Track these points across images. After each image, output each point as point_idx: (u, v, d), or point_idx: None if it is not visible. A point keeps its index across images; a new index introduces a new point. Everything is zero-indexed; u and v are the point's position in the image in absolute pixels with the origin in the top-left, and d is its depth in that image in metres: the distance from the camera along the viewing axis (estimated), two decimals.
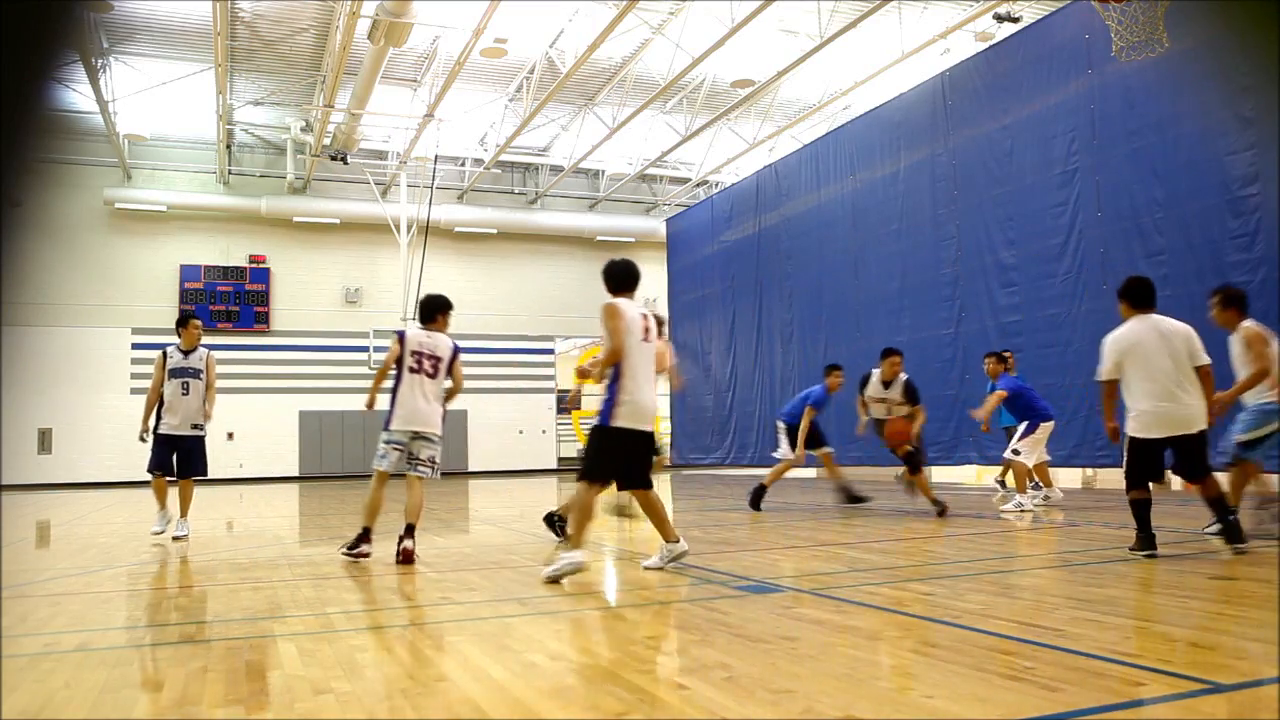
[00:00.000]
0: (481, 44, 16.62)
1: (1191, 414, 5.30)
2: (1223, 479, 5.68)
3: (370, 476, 6.28)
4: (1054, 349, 11.95)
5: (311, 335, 23.44)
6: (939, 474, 15.92)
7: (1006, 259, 13.08)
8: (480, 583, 5.16)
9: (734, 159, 23.29)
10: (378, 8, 14.33)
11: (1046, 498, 9.77)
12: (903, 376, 8.77)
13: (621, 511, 7.80)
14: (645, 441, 5.20)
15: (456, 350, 6.46)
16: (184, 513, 8.00)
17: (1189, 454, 5.35)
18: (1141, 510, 5.45)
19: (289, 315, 23.38)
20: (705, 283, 22.20)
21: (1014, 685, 2.69)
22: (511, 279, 25.28)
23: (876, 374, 8.89)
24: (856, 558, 5.90)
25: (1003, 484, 11.08)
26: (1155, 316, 5.52)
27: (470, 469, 24.05)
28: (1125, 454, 5.51)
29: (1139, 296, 5.58)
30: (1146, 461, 5.42)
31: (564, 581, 4.92)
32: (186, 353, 7.86)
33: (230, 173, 23.07)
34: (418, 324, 6.57)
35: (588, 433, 5.37)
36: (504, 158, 23.46)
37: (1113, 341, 5.54)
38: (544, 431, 25.02)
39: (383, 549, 6.83)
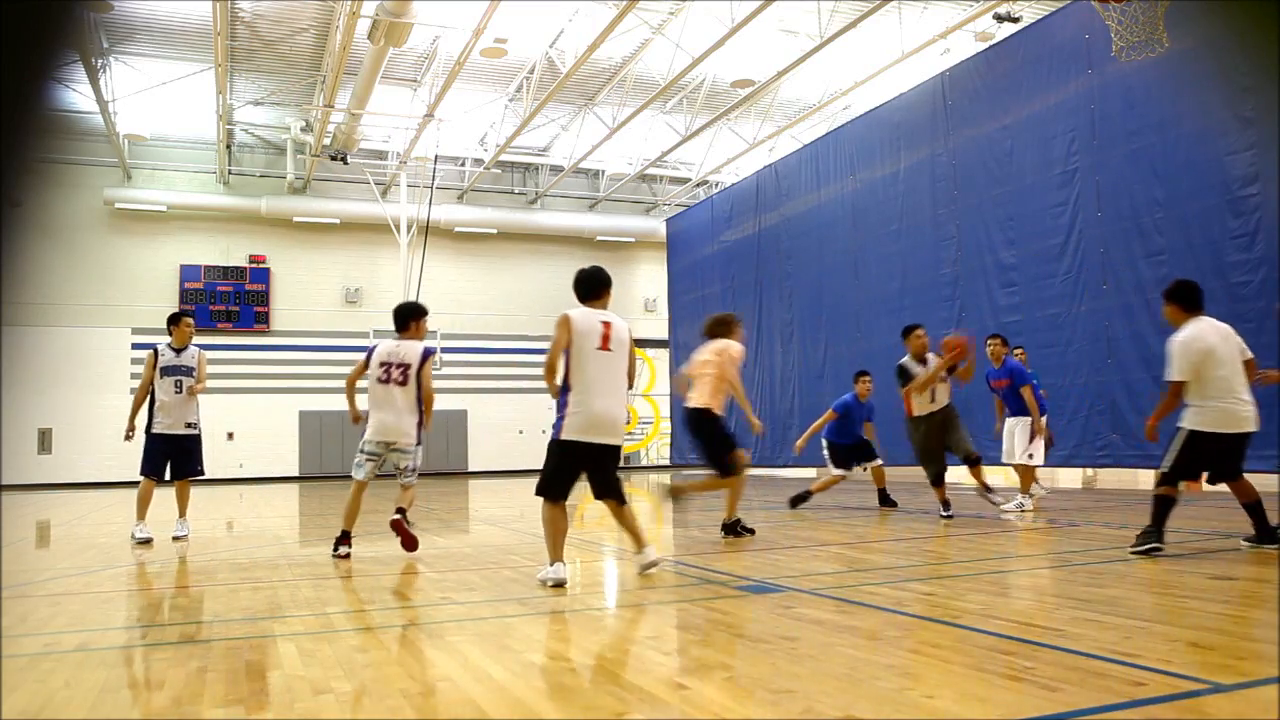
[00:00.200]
0: (481, 44, 16.62)
1: (1254, 412, 5.43)
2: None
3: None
4: (1054, 349, 11.95)
5: (311, 335, 23.44)
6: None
7: (1006, 259, 13.08)
8: (480, 583, 5.16)
9: (734, 159, 23.30)
10: (378, 8, 14.33)
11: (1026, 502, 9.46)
12: (929, 357, 8.33)
13: (677, 493, 7.73)
14: (605, 453, 4.94)
15: (426, 355, 6.47)
16: (182, 512, 7.97)
17: (1239, 452, 5.45)
18: (1167, 508, 5.49)
19: (289, 315, 23.38)
20: (705, 283, 22.20)
21: (1014, 685, 2.69)
22: (511, 279, 25.28)
23: (906, 360, 8.41)
24: (856, 558, 5.90)
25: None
26: (1207, 317, 5.60)
27: (470, 469, 24.06)
28: (1176, 450, 5.49)
29: (1191, 299, 5.63)
30: (1201, 458, 5.47)
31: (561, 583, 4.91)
32: (179, 351, 7.80)
33: (230, 173, 23.08)
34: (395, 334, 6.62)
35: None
36: (504, 158, 23.46)
37: (1186, 344, 5.50)
38: (544, 431, 24.54)
39: (382, 549, 6.84)
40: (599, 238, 25.70)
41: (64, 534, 9.38)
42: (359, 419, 6.60)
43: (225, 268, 22.84)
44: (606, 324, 5.03)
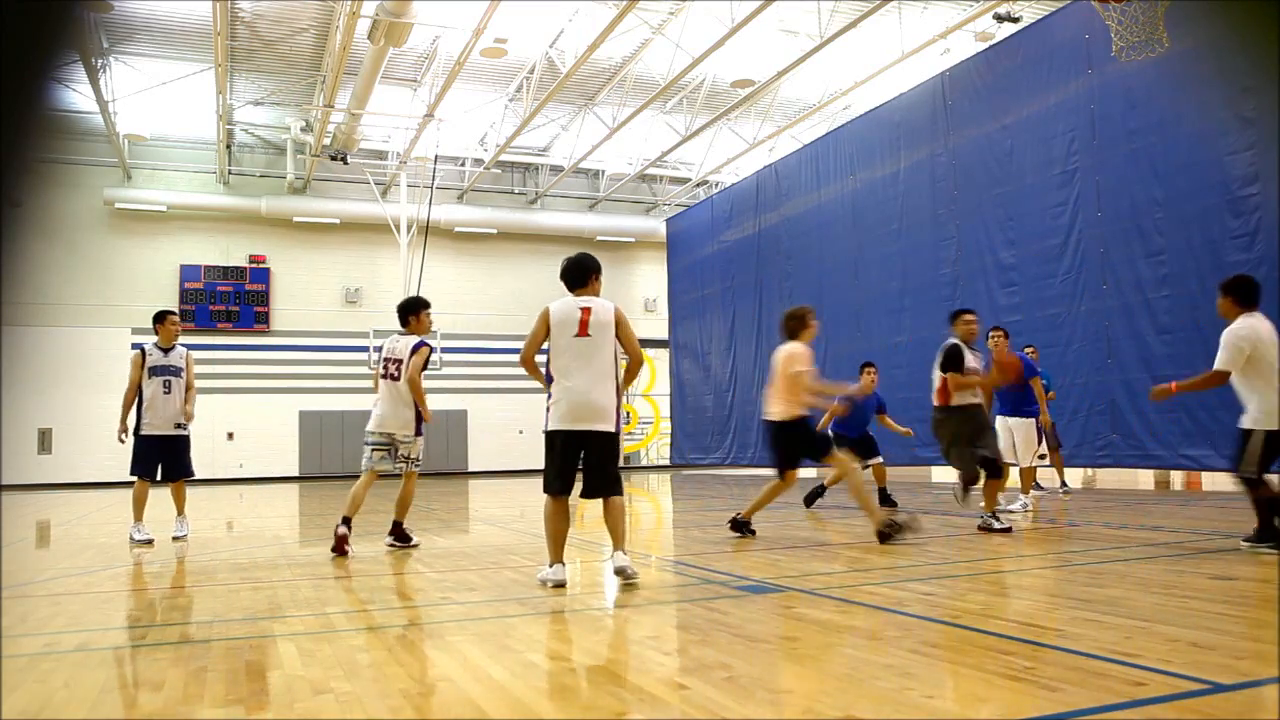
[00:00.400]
0: (481, 44, 16.62)
1: None
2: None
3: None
4: (1054, 349, 11.95)
5: (311, 335, 23.44)
6: (939, 474, 15.93)
7: (1006, 259, 13.08)
8: (480, 583, 5.16)
9: (734, 159, 23.29)
10: (378, 8, 14.33)
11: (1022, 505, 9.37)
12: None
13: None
14: (589, 441, 4.86)
15: (415, 347, 6.68)
16: (180, 511, 7.97)
17: None
18: (1275, 504, 5.45)
19: (289, 315, 23.38)
20: (705, 283, 22.20)
21: (1014, 685, 2.69)
22: (511, 279, 25.27)
23: (958, 342, 7.89)
24: (856, 558, 5.90)
25: (1040, 486, 11.05)
26: (1259, 314, 5.61)
27: (470, 469, 24.06)
28: (1257, 452, 5.45)
29: (1248, 295, 5.65)
30: (1272, 454, 5.47)
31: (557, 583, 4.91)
32: (166, 350, 7.79)
33: (230, 173, 23.07)
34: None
35: None
36: (504, 158, 23.45)
37: (1240, 336, 5.52)
38: (544, 432, 24.90)
39: (382, 549, 6.84)
40: (599, 238, 25.69)
41: (64, 534, 9.38)
42: (429, 417, 6.83)
43: (225, 268, 22.83)
44: (586, 309, 4.97)
